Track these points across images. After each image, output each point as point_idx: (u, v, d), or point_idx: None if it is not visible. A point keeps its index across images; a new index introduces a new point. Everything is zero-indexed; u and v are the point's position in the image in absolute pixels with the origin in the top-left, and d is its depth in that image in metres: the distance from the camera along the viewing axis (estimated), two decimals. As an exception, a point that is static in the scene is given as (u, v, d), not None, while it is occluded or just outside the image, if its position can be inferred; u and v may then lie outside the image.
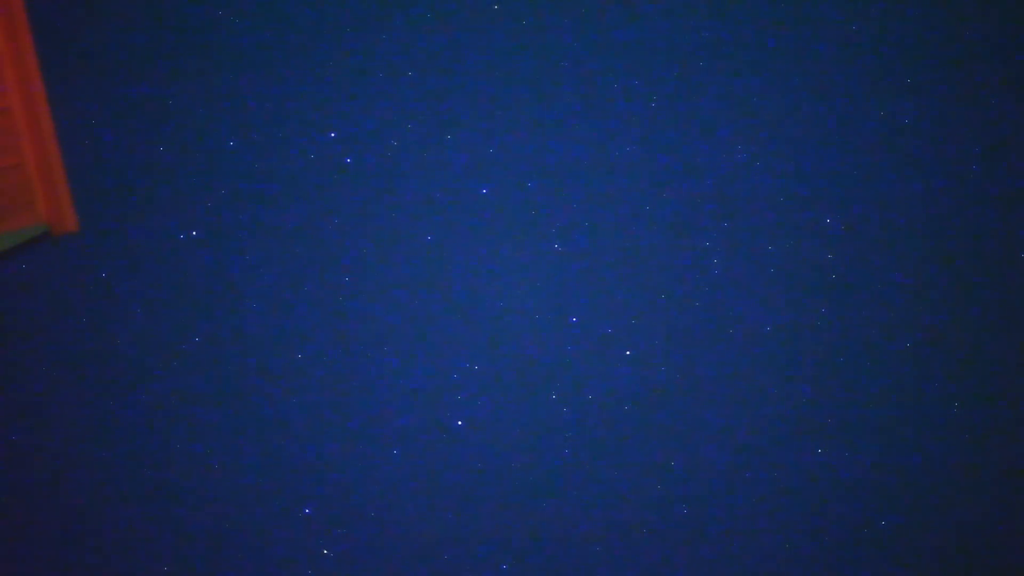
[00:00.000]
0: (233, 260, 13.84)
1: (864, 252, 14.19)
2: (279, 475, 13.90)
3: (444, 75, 13.93)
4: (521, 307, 14.15)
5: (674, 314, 14.18)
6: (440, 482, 14.06)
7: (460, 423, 14.09)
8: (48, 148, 6.77)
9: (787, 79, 14.09)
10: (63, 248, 13.54)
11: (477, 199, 14.05)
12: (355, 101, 13.84)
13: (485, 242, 14.09)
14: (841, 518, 14.16)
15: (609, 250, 14.16)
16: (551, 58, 14.03)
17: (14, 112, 6.64)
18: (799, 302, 14.18)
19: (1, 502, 13.61)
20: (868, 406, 14.20)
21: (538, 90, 14.04)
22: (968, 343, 14.22)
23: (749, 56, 14.07)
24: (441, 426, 14.08)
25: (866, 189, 14.17)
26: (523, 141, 14.05)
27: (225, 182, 13.75)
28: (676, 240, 14.15)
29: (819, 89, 14.14)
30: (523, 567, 14.01)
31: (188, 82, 13.60)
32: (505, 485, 14.08)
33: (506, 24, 13.92)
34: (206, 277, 13.82)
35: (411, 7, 13.86)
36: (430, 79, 13.91)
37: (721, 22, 14.02)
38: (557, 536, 14.06)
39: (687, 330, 14.20)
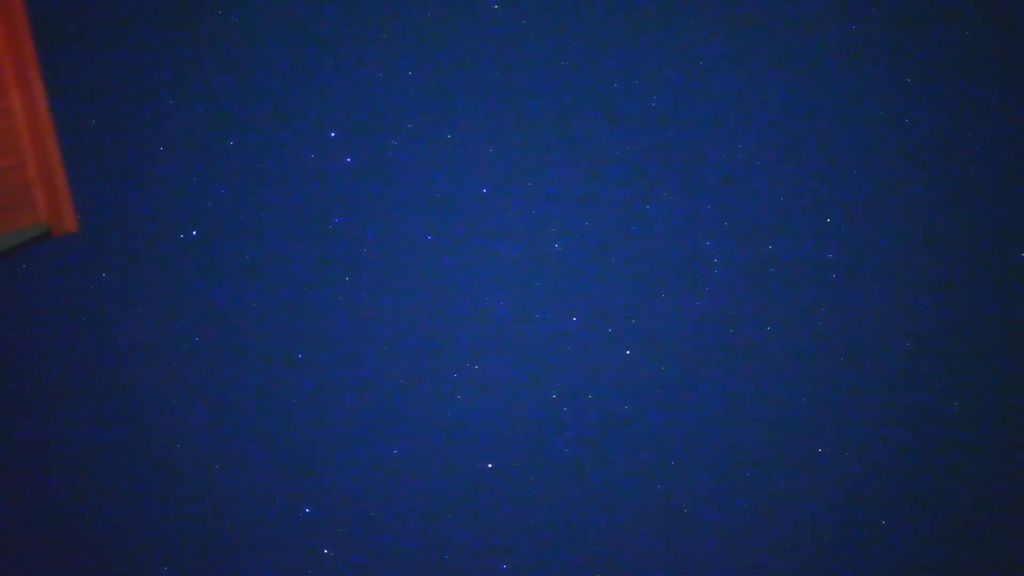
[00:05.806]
0: (233, 260, 13.85)
1: (864, 252, 14.19)
2: (279, 475, 13.90)
3: (444, 75, 13.94)
4: (521, 307, 14.15)
5: (674, 314, 14.18)
6: (440, 482, 14.06)
7: (460, 423, 14.09)
8: (48, 148, 6.76)
9: (788, 79, 14.10)
10: (63, 248, 13.55)
11: (477, 199, 14.06)
12: (355, 101, 13.85)
13: (485, 242, 14.10)
14: (840, 518, 14.16)
15: (609, 250, 14.16)
16: (551, 58, 14.04)
17: (14, 112, 6.64)
18: (799, 302, 14.19)
19: (1, 502, 13.61)
20: (867, 406, 14.20)
21: (538, 90, 14.05)
22: (968, 343, 14.22)
23: (749, 56, 14.08)
24: (441, 426, 14.08)
25: (866, 189, 14.18)
26: (523, 141, 14.06)
27: (225, 182, 13.76)
28: (676, 240, 14.15)
29: (819, 89, 14.14)
30: (523, 567, 14.01)
31: (188, 82, 13.61)
32: (505, 485, 14.09)
33: (506, 24, 13.93)
34: (206, 277, 13.82)
35: (411, 7, 13.86)
36: (430, 79, 13.92)
37: (721, 22, 14.02)
38: (557, 536, 14.06)
39: (687, 330, 14.20)
